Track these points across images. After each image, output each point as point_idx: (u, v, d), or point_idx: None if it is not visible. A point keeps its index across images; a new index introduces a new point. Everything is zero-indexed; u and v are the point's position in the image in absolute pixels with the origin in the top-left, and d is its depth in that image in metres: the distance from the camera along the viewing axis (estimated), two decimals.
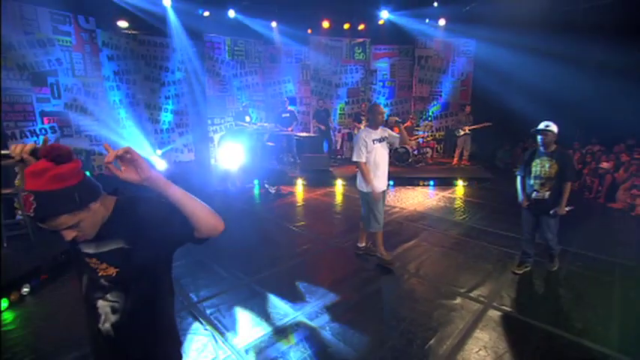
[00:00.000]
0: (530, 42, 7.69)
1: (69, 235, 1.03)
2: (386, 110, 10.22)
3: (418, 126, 9.48)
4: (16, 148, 1.02)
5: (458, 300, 3.21)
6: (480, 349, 2.58)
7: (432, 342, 2.65)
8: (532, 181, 3.46)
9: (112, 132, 7.33)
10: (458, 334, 2.74)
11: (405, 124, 8.30)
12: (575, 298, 3.24)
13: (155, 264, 1.19)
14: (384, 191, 3.85)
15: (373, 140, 3.65)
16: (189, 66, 8.59)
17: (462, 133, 8.56)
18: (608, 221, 5.43)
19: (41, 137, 6.57)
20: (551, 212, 3.37)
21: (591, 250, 4.16)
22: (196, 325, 2.82)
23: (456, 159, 8.78)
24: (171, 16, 7.91)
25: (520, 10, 7.79)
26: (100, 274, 1.13)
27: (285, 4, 8.50)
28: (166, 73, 8.58)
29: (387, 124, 3.79)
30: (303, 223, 5.33)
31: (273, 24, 9.21)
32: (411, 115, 9.61)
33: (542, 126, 3.32)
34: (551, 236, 3.46)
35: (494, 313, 3.01)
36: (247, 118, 8.31)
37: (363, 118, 8.88)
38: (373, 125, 3.72)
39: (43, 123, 6.63)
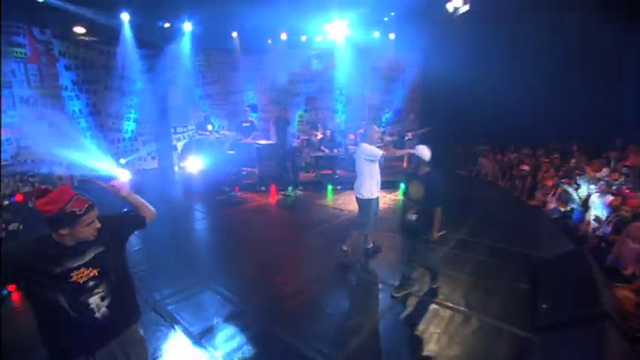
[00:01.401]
0: (474, 50, 8.54)
1: (97, 224, 1.59)
2: (343, 116, 10.95)
3: None
4: None
5: (386, 290, 3.86)
6: (395, 327, 3.24)
7: (356, 322, 3.28)
8: (406, 202, 3.50)
9: (72, 142, 7.39)
10: (380, 315, 3.39)
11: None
12: (476, 281, 3.98)
13: (122, 251, 1.80)
14: (377, 197, 4.42)
15: None
16: (150, 76, 8.79)
17: (407, 138, 9.42)
18: (522, 217, 6.34)
19: None
20: (422, 237, 3.38)
21: (500, 241, 4.99)
22: (158, 319, 3.27)
23: (405, 162, 9.61)
24: (127, 31, 8.04)
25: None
26: (82, 281, 1.55)
27: (245, 15, 8.89)
28: (127, 83, 8.73)
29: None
30: (259, 226, 5.84)
31: (234, 34, 9.60)
32: (364, 121, 10.32)
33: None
34: (425, 262, 3.56)
35: (412, 299, 3.66)
36: (209, 127, 8.66)
37: (319, 125, 9.51)
38: (369, 142, 4.23)
39: None
